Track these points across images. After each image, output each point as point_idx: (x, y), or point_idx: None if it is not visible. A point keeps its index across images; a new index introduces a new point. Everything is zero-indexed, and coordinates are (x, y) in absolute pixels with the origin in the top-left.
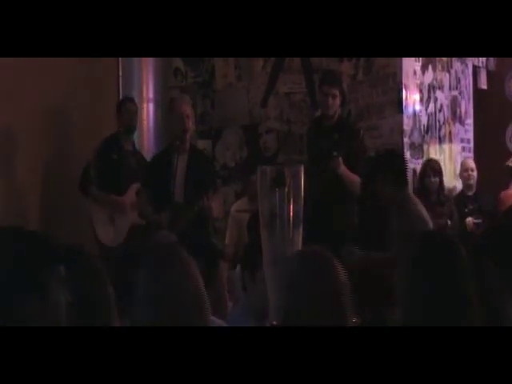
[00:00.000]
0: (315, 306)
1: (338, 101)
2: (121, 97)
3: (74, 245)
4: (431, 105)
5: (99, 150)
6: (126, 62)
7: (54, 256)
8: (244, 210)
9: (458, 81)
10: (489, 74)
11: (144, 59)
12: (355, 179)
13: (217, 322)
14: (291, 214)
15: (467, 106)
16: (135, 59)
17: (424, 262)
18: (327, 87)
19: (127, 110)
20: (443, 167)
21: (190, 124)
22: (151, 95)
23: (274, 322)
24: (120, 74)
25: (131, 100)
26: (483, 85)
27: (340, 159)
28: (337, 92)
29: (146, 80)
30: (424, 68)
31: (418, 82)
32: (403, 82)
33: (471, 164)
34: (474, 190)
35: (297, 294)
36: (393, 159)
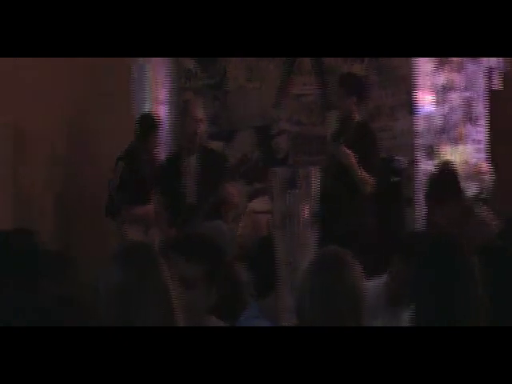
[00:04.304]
0: (333, 306)
1: (346, 100)
2: (133, 99)
3: None
4: (444, 106)
5: (120, 172)
6: (138, 64)
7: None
8: (261, 211)
9: (471, 82)
10: (502, 74)
11: (156, 61)
12: (365, 176)
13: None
14: (304, 215)
15: (480, 107)
16: (147, 61)
17: (432, 263)
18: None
19: (154, 136)
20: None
21: (201, 127)
22: (163, 97)
23: (289, 323)
24: (132, 76)
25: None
26: (497, 86)
27: (345, 149)
28: (342, 91)
29: (158, 82)
30: (437, 69)
31: (431, 83)
32: (415, 83)
33: (485, 167)
34: (488, 192)
35: (315, 295)
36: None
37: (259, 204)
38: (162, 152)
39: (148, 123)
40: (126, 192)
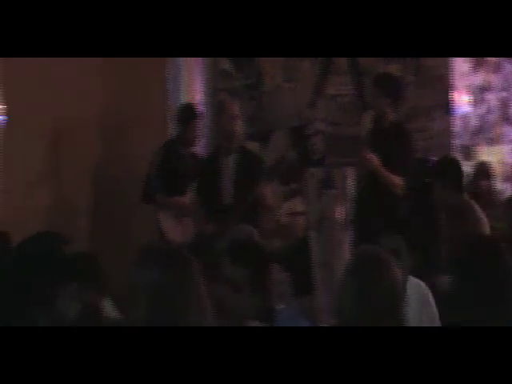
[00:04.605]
0: (372, 305)
1: (380, 101)
2: (168, 99)
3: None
4: (481, 106)
5: (159, 160)
6: (173, 64)
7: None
8: (297, 213)
9: (508, 82)
10: None
11: (191, 61)
12: (393, 178)
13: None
14: (339, 215)
15: None
16: (182, 61)
17: (472, 264)
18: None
19: (194, 124)
20: (494, 169)
21: (238, 126)
22: (199, 98)
23: (326, 323)
24: (168, 76)
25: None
26: None
27: (367, 154)
28: (377, 91)
29: (193, 82)
30: (473, 69)
31: (468, 83)
32: (452, 83)
33: None
34: None
35: (354, 294)
36: (450, 165)
37: (294, 205)
38: (200, 149)
39: (188, 112)
40: (162, 180)
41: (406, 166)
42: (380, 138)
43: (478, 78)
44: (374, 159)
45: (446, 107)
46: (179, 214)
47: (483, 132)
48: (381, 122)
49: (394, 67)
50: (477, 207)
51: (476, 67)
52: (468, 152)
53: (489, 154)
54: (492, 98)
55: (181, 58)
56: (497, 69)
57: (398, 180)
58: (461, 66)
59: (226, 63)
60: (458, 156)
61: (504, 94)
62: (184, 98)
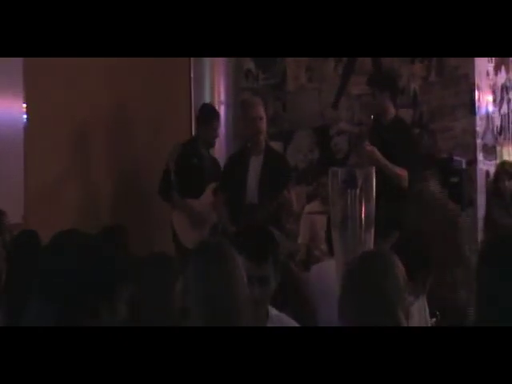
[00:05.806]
0: (375, 305)
1: (380, 98)
2: (192, 99)
3: None
4: (504, 106)
5: (179, 156)
6: (197, 64)
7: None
8: (317, 212)
9: None
10: None
11: (215, 61)
12: (397, 170)
13: (284, 319)
14: (363, 215)
15: None
16: (207, 61)
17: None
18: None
19: (215, 124)
20: None
21: (263, 126)
22: (223, 97)
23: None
24: (192, 76)
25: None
26: None
27: (367, 146)
28: (375, 91)
29: (217, 82)
30: (497, 69)
31: (491, 82)
32: (476, 83)
33: None
34: None
35: (359, 294)
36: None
37: (316, 205)
38: (221, 151)
39: (209, 111)
40: (179, 178)
41: (409, 160)
42: (381, 133)
43: (502, 78)
44: (375, 151)
45: (470, 107)
46: (193, 217)
47: (507, 131)
48: (383, 119)
49: (417, 67)
50: None
51: (499, 67)
52: (492, 152)
53: None
54: None
55: (205, 58)
56: None
57: (401, 171)
58: (484, 65)
59: (250, 63)
60: (481, 155)
61: None
62: (208, 98)
